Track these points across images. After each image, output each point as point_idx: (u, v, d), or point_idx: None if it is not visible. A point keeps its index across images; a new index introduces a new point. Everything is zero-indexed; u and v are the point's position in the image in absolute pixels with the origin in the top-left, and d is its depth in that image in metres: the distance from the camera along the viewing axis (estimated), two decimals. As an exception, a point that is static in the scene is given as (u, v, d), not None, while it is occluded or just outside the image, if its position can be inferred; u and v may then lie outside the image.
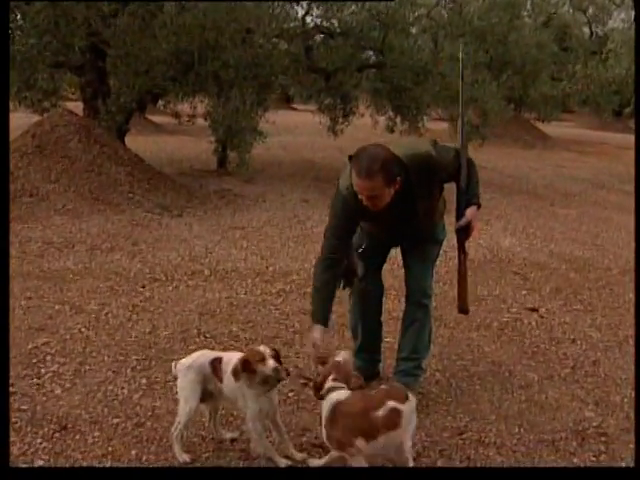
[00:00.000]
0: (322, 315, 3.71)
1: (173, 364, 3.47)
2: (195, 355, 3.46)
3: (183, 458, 3.31)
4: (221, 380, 3.35)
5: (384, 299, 4.32)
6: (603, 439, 3.71)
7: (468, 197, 3.81)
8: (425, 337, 4.13)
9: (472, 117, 13.86)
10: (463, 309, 4.09)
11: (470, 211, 3.78)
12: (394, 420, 3.03)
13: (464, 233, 3.86)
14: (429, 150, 3.68)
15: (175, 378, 3.47)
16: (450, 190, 3.90)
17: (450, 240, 4.10)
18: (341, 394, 3.15)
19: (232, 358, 3.33)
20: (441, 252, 4.21)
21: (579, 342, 5.13)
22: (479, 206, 3.85)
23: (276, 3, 11.92)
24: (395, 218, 3.74)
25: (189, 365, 3.37)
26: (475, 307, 5.79)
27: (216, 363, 3.37)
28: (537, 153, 20.35)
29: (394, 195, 3.53)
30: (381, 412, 3.03)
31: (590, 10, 25.42)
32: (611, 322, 5.60)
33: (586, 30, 25.81)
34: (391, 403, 3.06)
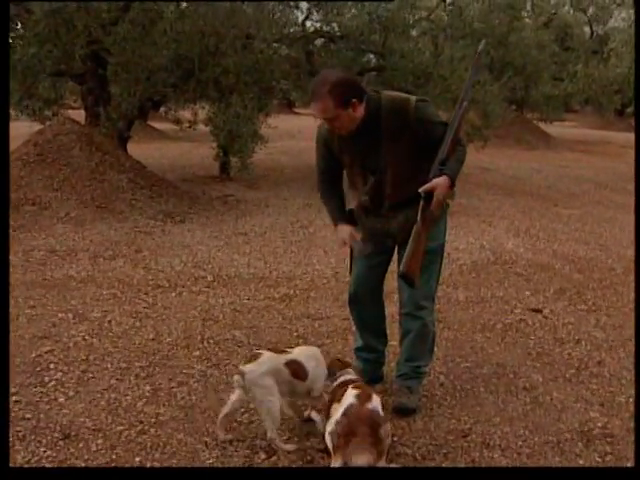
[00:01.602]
0: (339, 215, 4.01)
1: (236, 377, 3.46)
2: (262, 360, 3.46)
3: (288, 447, 3.46)
4: (304, 379, 3.54)
5: (386, 302, 4.30)
6: (609, 440, 3.69)
7: (442, 168, 3.59)
8: (424, 345, 4.04)
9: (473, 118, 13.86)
10: (405, 274, 3.63)
11: (437, 179, 3.56)
12: None
13: (427, 202, 3.59)
14: (411, 98, 3.70)
15: (239, 386, 3.48)
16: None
17: (452, 242, 4.07)
18: None
19: (306, 357, 3.59)
20: (445, 254, 4.13)
21: (584, 343, 5.12)
22: (451, 181, 3.57)
23: (276, 8, 11.94)
24: (360, 151, 3.76)
25: (264, 372, 3.41)
26: (479, 309, 5.79)
27: (294, 365, 3.52)
28: (540, 154, 20.33)
29: (361, 124, 3.63)
30: None
31: (590, 10, 25.44)
32: (615, 322, 5.58)
33: (587, 30, 25.83)
34: None
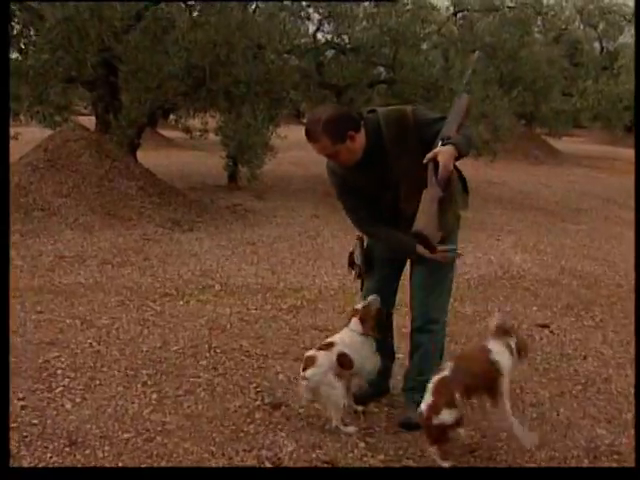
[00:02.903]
0: (406, 238, 3.68)
1: (303, 383, 3.74)
2: (320, 362, 3.72)
3: (350, 430, 3.76)
4: (350, 368, 3.80)
5: (393, 315, 4.30)
6: (616, 457, 3.67)
7: (445, 142, 3.50)
8: (433, 360, 3.98)
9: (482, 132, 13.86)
10: (418, 232, 3.50)
11: (439, 148, 3.49)
12: None
13: (435, 169, 3.51)
14: (406, 107, 3.73)
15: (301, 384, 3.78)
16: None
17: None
18: None
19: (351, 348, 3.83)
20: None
21: (590, 359, 5.10)
22: (455, 148, 3.48)
23: (288, 19, 11.99)
24: (374, 175, 3.73)
25: (324, 372, 3.69)
26: (486, 324, 5.75)
27: (342, 358, 3.77)
28: (548, 169, 20.31)
29: (365, 149, 3.64)
30: None
31: (601, 26, 25.40)
32: (623, 339, 5.56)
33: (597, 46, 25.80)
34: None
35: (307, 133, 3.60)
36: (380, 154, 3.69)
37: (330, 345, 3.84)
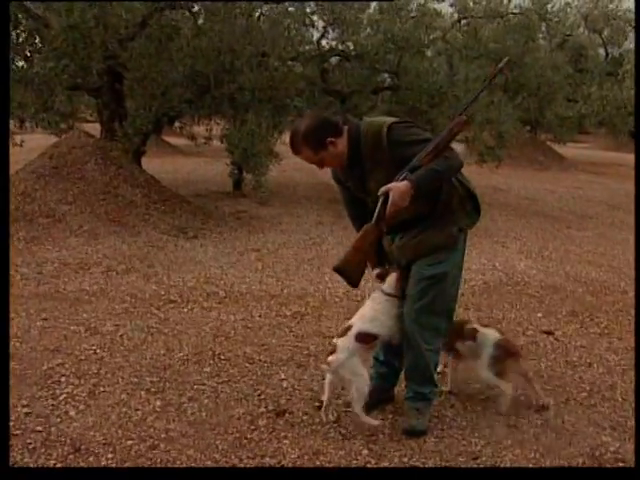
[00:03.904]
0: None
1: (325, 368, 3.86)
2: (340, 348, 3.79)
3: (374, 422, 3.86)
4: (375, 339, 3.92)
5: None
6: (620, 465, 3.66)
7: (406, 174, 3.54)
8: (420, 373, 3.98)
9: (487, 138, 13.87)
10: (337, 267, 3.73)
11: (395, 183, 3.52)
12: None
13: (385, 204, 3.57)
14: (386, 121, 3.71)
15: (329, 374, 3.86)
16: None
17: (464, 262, 4.05)
18: None
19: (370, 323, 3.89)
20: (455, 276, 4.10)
21: (595, 366, 5.09)
22: (412, 185, 3.50)
23: (292, 26, 12.00)
24: (355, 179, 3.83)
25: (346, 357, 3.76)
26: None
27: (362, 336, 3.83)
28: (553, 175, 20.29)
29: (349, 153, 3.71)
30: None
31: (605, 31, 25.36)
32: (628, 345, 5.54)
33: (601, 51, 25.78)
34: None
35: (291, 146, 3.69)
36: (358, 163, 3.74)
37: (347, 329, 3.86)
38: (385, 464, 3.54)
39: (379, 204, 3.60)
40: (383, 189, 3.55)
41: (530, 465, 3.60)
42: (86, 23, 9.52)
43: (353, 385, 3.78)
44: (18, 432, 3.70)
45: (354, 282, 3.77)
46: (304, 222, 10.48)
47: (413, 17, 13.27)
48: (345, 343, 3.80)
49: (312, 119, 3.72)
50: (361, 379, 3.78)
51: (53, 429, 3.78)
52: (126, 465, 3.46)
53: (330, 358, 3.78)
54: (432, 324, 3.89)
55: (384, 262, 4.01)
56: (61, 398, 4.17)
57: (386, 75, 13.84)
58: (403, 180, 3.53)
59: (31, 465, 3.41)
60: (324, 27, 13.21)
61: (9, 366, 4.37)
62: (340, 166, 3.78)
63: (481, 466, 3.58)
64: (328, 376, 3.87)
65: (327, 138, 3.62)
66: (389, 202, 3.53)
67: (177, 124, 15.08)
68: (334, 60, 13.80)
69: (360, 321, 3.88)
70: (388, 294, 3.90)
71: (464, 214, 3.86)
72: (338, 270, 3.72)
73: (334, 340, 3.89)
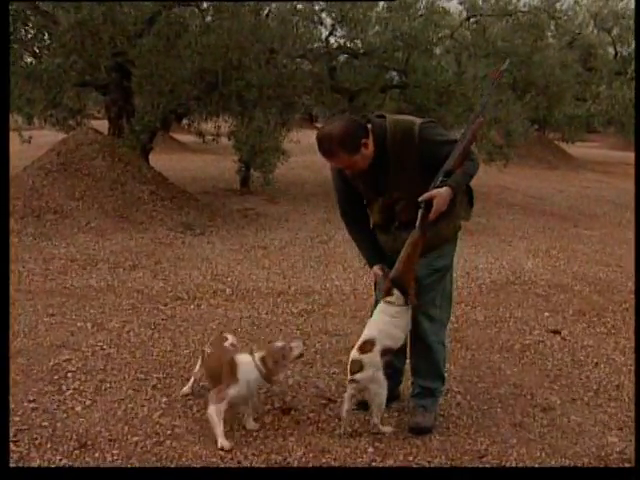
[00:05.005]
0: (372, 259, 4.01)
1: (353, 385, 3.79)
2: (367, 364, 3.76)
3: (387, 429, 3.87)
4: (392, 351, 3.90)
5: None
6: (627, 465, 3.65)
7: (444, 179, 3.57)
8: (430, 367, 4.01)
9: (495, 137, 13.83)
10: (395, 278, 3.72)
11: (438, 190, 3.55)
12: None
13: (426, 211, 3.59)
14: (415, 121, 3.71)
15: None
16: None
17: (472, 261, 4.04)
18: None
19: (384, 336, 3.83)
20: (464, 274, 4.11)
21: (602, 365, 5.07)
22: (453, 191, 3.56)
23: (300, 23, 12.00)
24: (371, 180, 3.79)
25: (372, 373, 3.75)
26: (497, 329, 5.75)
27: (385, 352, 3.81)
28: (561, 174, 20.25)
29: (374, 153, 3.67)
30: None
31: (615, 30, 25.24)
32: (635, 345, 5.52)
33: (611, 50, 25.67)
34: None
35: (322, 151, 3.61)
36: (381, 162, 3.70)
37: (371, 345, 3.79)
38: (390, 462, 3.54)
39: (421, 211, 3.59)
40: (426, 196, 3.54)
41: (536, 464, 3.59)
42: (94, 20, 9.54)
43: (377, 398, 3.80)
44: (24, 427, 3.71)
45: (406, 291, 3.73)
46: (311, 220, 10.48)
47: (421, 15, 13.23)
48: (372, 359, 3.76)
49: (345, 122, 3.65)
50: (385, 392, 3.80)
51: (59, 424, 3.79)
52: (132, 461, 3.46)
53: (358, 376, 3.75)
54: (439, 316, 3.95)
55: (384, 260, 3.99)
56: (67, 394, 4.18)
57: (394, 73, 13.83)
58: (440, 185, 3.55)
59: (37, 460, 3.41)
60: (332, 25, 13.21)
61: (9, 366, 4.39)
62: (365, 166, 3.70)
63: (487, 465, 3.57)
64: (350, 390, 3.82)
65: (361, 140, 3.58)
66: (433, 209, 3.55)
67: (185, 121, 15.12)
68: (342, 58, 13.78)
69: (380, 335, 3.81)
70: (399, 305, 3.84)
71: (464, 207, 3.93)
72: (394, 280, 3.71)
73: (356, 355, 3.78)
